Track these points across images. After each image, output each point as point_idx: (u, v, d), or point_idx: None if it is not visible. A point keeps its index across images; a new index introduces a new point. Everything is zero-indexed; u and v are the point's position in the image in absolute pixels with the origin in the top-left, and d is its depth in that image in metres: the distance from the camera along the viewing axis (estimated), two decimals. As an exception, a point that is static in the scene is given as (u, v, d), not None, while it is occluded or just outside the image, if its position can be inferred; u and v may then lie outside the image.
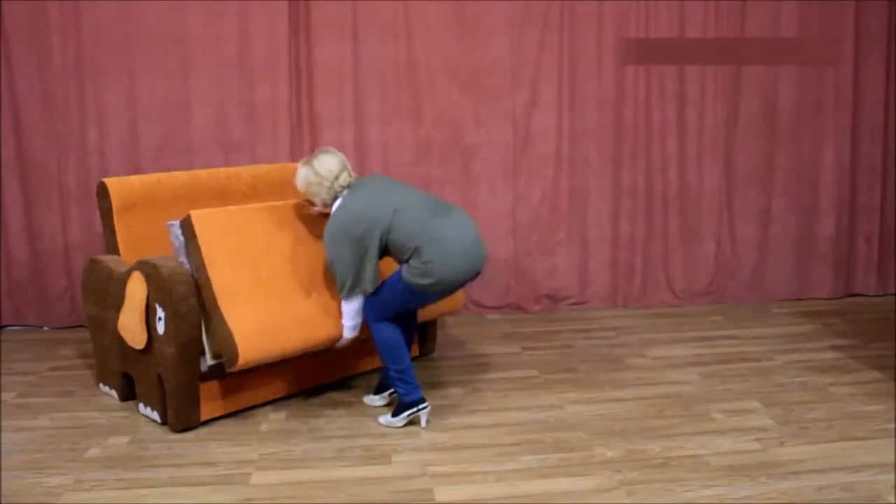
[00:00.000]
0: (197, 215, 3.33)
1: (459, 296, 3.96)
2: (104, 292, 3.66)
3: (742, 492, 2.81)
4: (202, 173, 4.12)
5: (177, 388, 3.31)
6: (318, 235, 3.63)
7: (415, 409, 3.37)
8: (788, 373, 4.02)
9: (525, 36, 5.05)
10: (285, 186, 4.37)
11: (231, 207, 3.51)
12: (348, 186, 3.39)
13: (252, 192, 4.23)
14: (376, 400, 3.63)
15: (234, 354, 3.17)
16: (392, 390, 3.55)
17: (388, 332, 3.35)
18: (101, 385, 3.86)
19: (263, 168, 4.35)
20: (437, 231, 3.22)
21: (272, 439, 3.30)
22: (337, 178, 3.36)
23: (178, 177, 4.02)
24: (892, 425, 3.34)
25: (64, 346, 4.60)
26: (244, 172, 4.26)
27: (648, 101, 5.20)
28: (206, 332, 3.32)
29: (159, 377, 3.38)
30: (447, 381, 3.95)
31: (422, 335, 4.25)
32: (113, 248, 3.81)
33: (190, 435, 3.35)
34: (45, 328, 4.99)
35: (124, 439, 3.31)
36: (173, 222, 3.44)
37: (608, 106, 5.18)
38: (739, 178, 5.36)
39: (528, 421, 3.45)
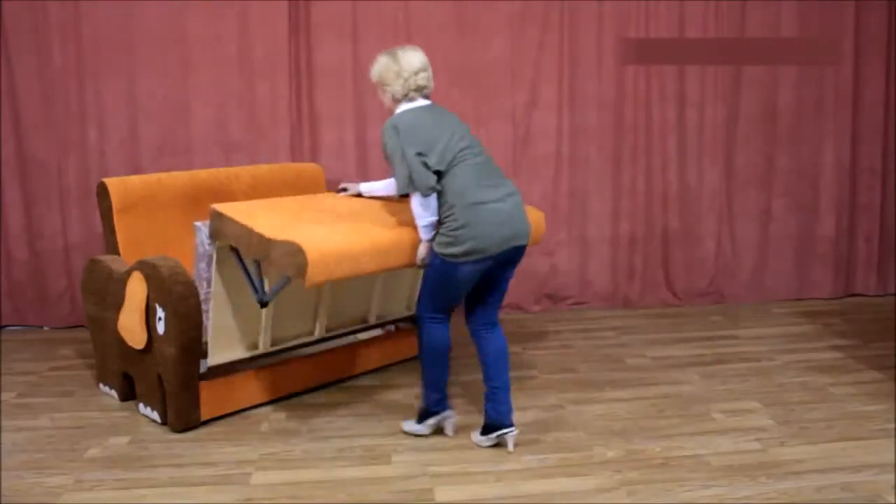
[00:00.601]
0: (221, 205, 3.27)
1: (539, 223, 3.76)
2: (104, 292, 3.66)
3: (742, 492, 2.80)
4: (202, 173, 4.12)
5: (177, 388, 3.31)
6: (353, 203, 3.61)
7: (441, 417, 3.28)
8: (788, 373, 4.02)
9: (525, 36, 5.05)
10: (285, 186, 4.37)
11: (254, 200, 3.48)
12: (422, 91, 3.15)
13: (252, 192, 4.23)
14: (483, 441, 3.21)
15: (302, 258, 2.86)
16: (502, 432, 3.16)
17: (437, 336, 3.17)
18: (101, 385, 3.86)
19: (263, 168, 4.35)
20: (475, 196, 3.01)
21: (272, 439, 3.30)
22: (416, 73, 3.12)
23: (178, 177, 4.01)
24: (892, 425, 3.34)
25: (64, 346, 4.60)
26: (244, 172, 4.26)
27: (648, 101, 5.20)
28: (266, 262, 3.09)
29: (159, 377, 3.38)
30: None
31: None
32: (113, 248, 3.81)
33: (190, 435, 3.35)
34: (45, 328, 4.99)
35: (124, 439, 3.31)
36: (200, 224, 3.35)
37: (608, 106, 5.18)
38: (739, 178, 5.37)
39: (528, 421, 3.45)
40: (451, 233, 3.01)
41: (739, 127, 5.32)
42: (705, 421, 3.43)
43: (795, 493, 2.79)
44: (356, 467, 3.04)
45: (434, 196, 3.07)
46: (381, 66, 3.17)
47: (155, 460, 3.12)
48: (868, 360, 4.18)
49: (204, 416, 3.42)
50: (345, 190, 3.76)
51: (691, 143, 5.28)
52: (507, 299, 5.23)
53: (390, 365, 4.15)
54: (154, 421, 3.48)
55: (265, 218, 3.15)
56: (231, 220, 3.14)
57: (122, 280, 3.51)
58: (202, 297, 3.33)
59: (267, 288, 3.27)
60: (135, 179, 3.89)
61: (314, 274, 2.88)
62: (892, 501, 2.70)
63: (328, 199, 3.62)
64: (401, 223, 3.31)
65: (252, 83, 4.88)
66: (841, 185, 5.43)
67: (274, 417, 3.52)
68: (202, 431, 3.38)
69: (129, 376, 3.65)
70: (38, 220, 4.89)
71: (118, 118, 4.82)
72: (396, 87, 3.13)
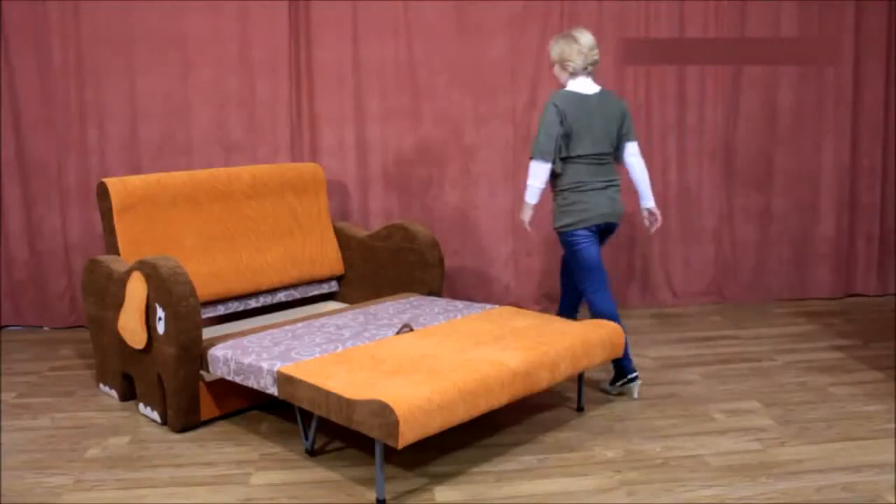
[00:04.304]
0: (287, 366, 2.99)
1: (620, 336, 3.55)
2: (104, 292, 3.66)
3: (742, 492, 2.80)
4: (202, 173, 4.12)
5: (177, 388, 3.31)
6: (424, 344, 3.24)
7: (627, 380, 3.69)
8: (788, 373, 4.02)
9: (525, 36, 5.05)
10: (285, 186, 4.37)
11: (320, 357, 3.11)
12: (592, 66, 3.56)
13: (252, 192, 4.24)
14: (611, 389, 3.77)
15: (391, 416, 2.54)
16: (622, 381, 3.71)
17: (600, 302, 3.61)
18: (101, 385, 3.86)
19: (263, 168, 4.35)
20: (582, 179, 3.56)
21: (272, 439, 3.30)
22: (592, 49, 3.53)
23: (178, 177, 4.02)
24: (892, 425, 3.34)
25: (64, 346, 4.60)
26: (244, 172, 4.26)
27: (648, 102, 5.20)
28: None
29: (159, 377, 3.38)
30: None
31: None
32: (113, 248, 3.81)
33: (190, 435, 3.35)
34: (45, 328, 5.00)
35: (124, 439, 3.31)
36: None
37: (608, 106, 5.18)
38: (739, 178, 5.37)
39: (527, 420, 3.45)
40: (563, 200, 3.64)
41: (739, 127, 5.33)
42: (705, 421, 3.43)
43: (795, 493, 2.79)
44: (356, 467, 3.04)
45: (544, 166, 3.58)
46: (561, 45, 3.56)
47: (155, 460, 3.12)
48: (868, 360, 4.18)
49: (204, 416, 3.42)
50: (407, 327, 3.45)
51: (691, 143, 5.28)
52: (506, 299, 5.24)
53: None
54: (154, 421, 3.48)
55: (340, 375, 2.88)
56: (303, 382, 2.86)
57: (122, 280, 3.51)
58: None
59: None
60: (135, 179, 3.89)
61: (407, 432, 2.55)
62: (892, 501, 2.70)
63: (394, 342, 3.24)
64: (480, 356, 3.03)
65: (252, 83, 4.88)
66: (841, 185, 5.43)
67: (274, 417, 3.52)
68: (202, 431, 3.38)
69: (129, 376, 3.65)
70: (38, 220, 4.89)
71: (118, 118, 4.82)
72: (576, 61, 3.54)
